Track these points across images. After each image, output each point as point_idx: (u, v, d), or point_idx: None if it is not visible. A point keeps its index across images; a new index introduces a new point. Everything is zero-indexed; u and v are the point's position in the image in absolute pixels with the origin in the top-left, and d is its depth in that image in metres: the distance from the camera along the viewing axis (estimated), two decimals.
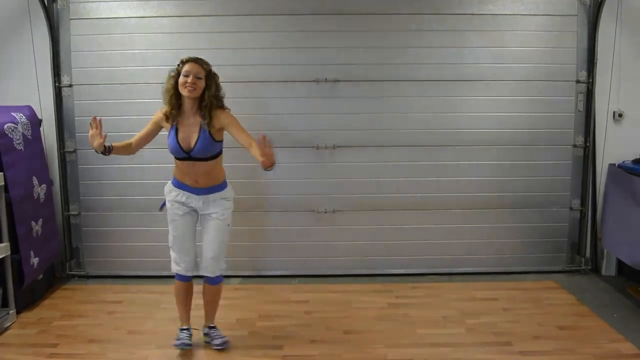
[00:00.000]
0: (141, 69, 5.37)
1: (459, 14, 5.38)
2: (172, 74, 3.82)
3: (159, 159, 5.38)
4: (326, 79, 5.38)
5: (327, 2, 5.37)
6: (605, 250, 5.56)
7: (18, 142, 4.70)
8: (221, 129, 3.88)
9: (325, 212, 5.58)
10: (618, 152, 5.49)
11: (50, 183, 5.24)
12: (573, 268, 5.68)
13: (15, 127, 4.70)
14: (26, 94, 5.32)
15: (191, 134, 3.80)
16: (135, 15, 5.35)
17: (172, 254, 4.03)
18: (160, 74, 5.27)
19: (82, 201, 5.57)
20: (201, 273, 4.03)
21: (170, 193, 3.97)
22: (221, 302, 4.20)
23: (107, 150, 3.76)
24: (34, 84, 5.35)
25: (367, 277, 5.57)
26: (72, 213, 5.57)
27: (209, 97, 3.79)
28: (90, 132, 3.66)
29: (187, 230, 3.98)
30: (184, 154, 3.80)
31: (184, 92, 3.74)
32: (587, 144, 5.52)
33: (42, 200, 5.03)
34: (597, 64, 5.39)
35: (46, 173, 5.20)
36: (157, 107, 5.36)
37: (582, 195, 5.62)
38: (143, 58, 5.37)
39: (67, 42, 5.38)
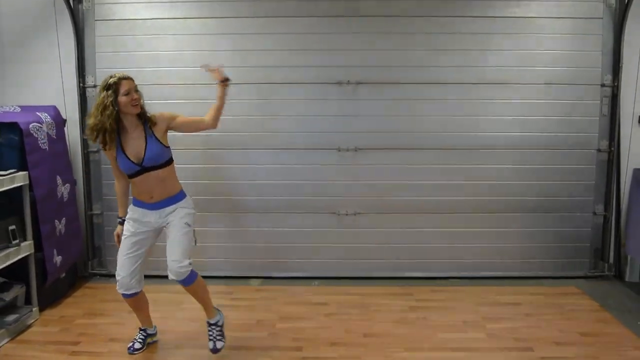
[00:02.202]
0: (165, 70, 5.41)
1: (483, 16, 5.35)
2: (109, 100, 3.62)
3: (179, 160, 5.41)
4: (348, 81, 5.37)
5: (350, 5, 5.36)
6: (629, 256, 5.49)
7: (43, 141, 4.75)
8: (167, 131, 3.87)
9: (347, 215, 5.57)
10: None
11: (73, 182, 5.29)
12: (596, 274, 5.62)
13: (40, 127, 4.75)
14: (51, 94, 5.40)
15: (138, 145, 3.75)
16: (160, 17, 5.39)
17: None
18: (185, 75, 5.38)
19: (105, 201, 5.62)
20: (170, 277, 3.92)
21: (130, 211, 3.93)
22: (241, 302, 4.20)
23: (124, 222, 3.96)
24: (59, 84, 5.42)
25: (388, 280, 5.55)
26: (95, 212, 5.63)
27: (142, 106, 3.78)
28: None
29: (131, 250, 3.90)
30: (136, 168, 3.74)
31: (132, 110, 3.68)
32: (612, 148, 5.46)
33: (65, 200, 5.08)
34: (623, 68, 5.33)
35: (70, 172, 5.25)
36: (180, 107, 5.44)
37: (606, 200, 5.56)
38: (167, 59, 5.41)
39: (92, 43, 5.44)
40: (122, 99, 3.65)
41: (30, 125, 4.62)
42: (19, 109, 4.86)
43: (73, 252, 5.23)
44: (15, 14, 5.41)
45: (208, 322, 4.07)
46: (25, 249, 4.47)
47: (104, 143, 3.71)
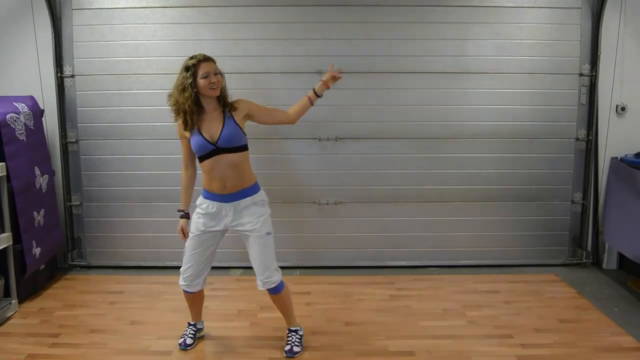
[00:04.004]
0: (143, 60, 5.37)
1: (462, 5, 5.36)
2: (188, 81, 3.59)
3: (160, 150, 5.41)
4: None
5: None
6: (606, 244, 5.56)
7: (20, 132, 4.70)
8: (245, 117, 3.83)
9: (327, 204, 5.58)
10: (620, 146, 5.48)
11: (52, 173, 5.25)
12: (574, 261, 5.69)
13: (18, 118, 4.70)
14: (28, 84, 5.32)
15: (215, 125, 3.68)
16: (138, 6, 5.34)
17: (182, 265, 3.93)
18: (164, 65, 5.34)
19: (84, 192, 5.58)
20: (258, 289, 3.91)
21: (201, 205, 3.81)
22: (222, 293, 4.20)
23: (187, 216, 3.94)
24: (36, 74, 5.35)
25: (369, 269, 5.58)
26: (74, 203, 5.58)
27: (223, 88, 3.74)
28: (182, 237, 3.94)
29: (199, 248, 3.82)
30: (210, 147, 3.65)
31: (211, 93, 3.62)
32: (590, 137, 5.52)
33: (44, 191, 5.04)
34: (601, 57, 5.38)
35: (48, 163, 5.20)
36: (160, 97, 5.38)
37: (584, 188, 5.62)
38: (145, 49, 5.36)
39: (70, 32, 5.37)
40: (200, 81, 3.60)
41: (8, 116, 4.57)
42: None
43: (52, 244, 5.19)
44: None
45: (289, 329, 4.08)
46: (4, 240, 4.42)
47: (185, 123, 3.68)
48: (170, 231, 5.50)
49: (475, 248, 5.67)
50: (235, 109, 3.76)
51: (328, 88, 4.06)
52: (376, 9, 5.35)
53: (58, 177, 5.47)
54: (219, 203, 3.76)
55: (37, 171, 4.94)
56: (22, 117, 4.76)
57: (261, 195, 3.89)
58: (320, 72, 5.33)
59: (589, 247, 5.68)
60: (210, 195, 3.78)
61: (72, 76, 5.40)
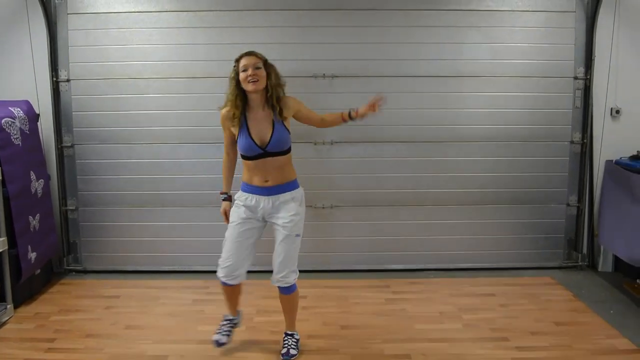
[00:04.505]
0: (139, 64, 5.37)
1: (457, 9, 5.37)
2: (232, 75, 3.69)
3: (156, 155, 5.41)
4: (324, 74, 5.37)
5: None
6: (601, 247, 5.57)
7: (15, 136, 4.69)
8: (290, 118, 3.82)
9: (324, 208, 5.58)
10: (615, 149, 5.49)
11: (47, 178, 5.23)
12: (570, 264, 5.70)
13: (13, 122, 4.69)
14: (24, 88, 5.32)
15: (264, 128, 3.67)
16: (133, 10, 5.34)
17: (221, 256, 3.91)
18: (159, 69, 5.35)
19: (80, 196, 5.57)
20: (272, 284, 3.92)
21: (240, 197, 3.82)
22: (218, 297, 4.18)
23: (230, 198, 3.96)
24: (31, 78, 5.34)
25: (365, 273, 5.58)
26: (70, 208, 5.57)
27: (273, 87, 3.69)
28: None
29: (240, 237, 3.81)
30: (259, 151, 3.66)
31: (249, 87, 3.61)
32: (585, 141, 5.53)
33: (39, 195, 5.03)
34: (595, 61, 5.40)
35: (44, 168, 5.19)
36: (155, 102, 5.39)
37: (579, 191, 5.63)
38: (141, 53, 5.36)
39: (65, 37, 5.37)
40: (240, 75, 3.63)
41: (3, 121, 4.56)
42: None
43: (48, 248, 5.18)
44: None
45: (286, 333, 4.07)
46: None
47: (230, 118, 3.72)
48: (166, 235, 5.52)
49: (471, 251, 5.67)
50: (285, 117, 3.74)
51: (363, 118, 4.06)
52: (371, 13, 5.36)
53: (53, 181, 5.46)
54: (259, 196, 3.77)
55: (33, 176, 4.93)
56: (17, 122, 4.75)
57: (300, 192, 3.90)
58: (315, 77, 5.35)
59: (585, 250, 5.69)
60: (249, 189, 3.80)
61: (68, 80, 5.39)
